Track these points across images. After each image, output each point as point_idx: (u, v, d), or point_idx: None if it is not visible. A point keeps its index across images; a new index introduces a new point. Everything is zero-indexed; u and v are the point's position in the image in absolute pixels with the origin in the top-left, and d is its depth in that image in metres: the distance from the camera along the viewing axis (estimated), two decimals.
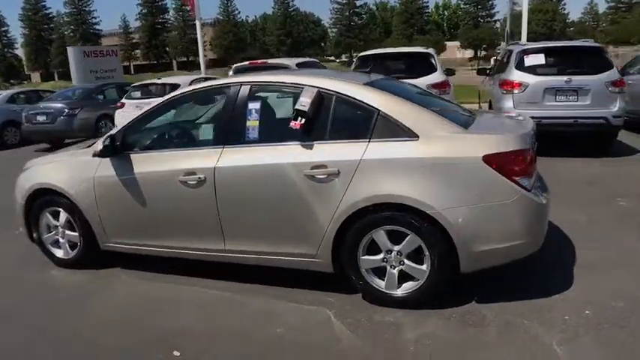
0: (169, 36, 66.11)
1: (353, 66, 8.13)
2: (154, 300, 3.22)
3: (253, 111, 3.08)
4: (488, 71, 9.29)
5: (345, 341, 2.63)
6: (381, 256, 2.87)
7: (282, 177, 2.94)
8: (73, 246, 3.79)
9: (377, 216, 2.80)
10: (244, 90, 3.14)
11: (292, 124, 2.89)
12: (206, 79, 10.96)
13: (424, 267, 2.81)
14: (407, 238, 2.79)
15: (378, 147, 2.78)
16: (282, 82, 3.15)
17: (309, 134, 2.92)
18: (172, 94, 3.46)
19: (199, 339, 2.71)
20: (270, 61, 9.28)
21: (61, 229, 3.78)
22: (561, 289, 3.04)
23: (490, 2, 61.08)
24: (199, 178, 3.09)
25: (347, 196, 2.80)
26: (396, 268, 2.87)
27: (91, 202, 3.50)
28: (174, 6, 66.41)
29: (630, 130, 7.86)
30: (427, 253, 2.77)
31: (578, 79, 6.45)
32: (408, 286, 2.89)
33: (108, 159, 3.43)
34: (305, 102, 2.88)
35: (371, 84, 3.07)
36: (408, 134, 2.76)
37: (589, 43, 7.25)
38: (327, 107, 2.93)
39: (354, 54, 64.81)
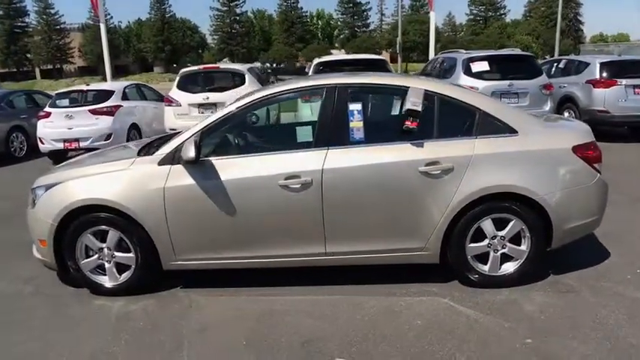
0: (31, 42, 57.81)
1: (312, 71, 8.28)
2: (259, 314, 3.03)
3: (355, 112, 3.11)
4: None
5: (483, 321, 2.83)
6: (486, 242, 3.15)
7: (396, 175, 3.04)
8: (121, 270, 3.34)
9: (486, 206, 3.07)
10: (343, 91, 3.16)
11: (407, 123, 3.02)
12: (137, 85, 10.12)
13: (524, 247, 3.15)
14: (511, 224, 3.10)
15: (485, 143, 3.06)
16: (384, 84, 3.25)
17: (417, 133, 3.06)
18: (260, 94, 3.27)
19: (349, 343, 2.67)
20: (222, 65, 9.02)
21: (107, 252, 3.29)
22: (603, 258, 3.63)
23: (365, 13, 65.93)
24: (305, 181, 3.02)
25: (461, 190, 3.01)
26: (499, 252, 3.17)
27: (159, 216, 3.14)
28: (36, 9, 58.41)
29: None
30: (527, 234, 3.12)
31: (518, 84, 7.56)
32: (507, 267, 3.21)
33: (180, 167, 3.12)
34: (417, 102, 3.02)
35: (457, 85, 3.34)
36: (509, 130, 3.09)
37: (519, 51, 8.49)
38: (432, 107, 3.12)
39: (234, 62, 63.84)
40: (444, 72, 8.80)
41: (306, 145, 3.16)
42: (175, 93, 8.34)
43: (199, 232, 3.18)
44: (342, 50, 59.23)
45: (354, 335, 2.73)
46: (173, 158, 3.14)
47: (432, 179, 3.02)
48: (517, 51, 8.59)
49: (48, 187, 3.34)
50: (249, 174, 3.08)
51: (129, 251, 3.28)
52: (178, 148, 3.13)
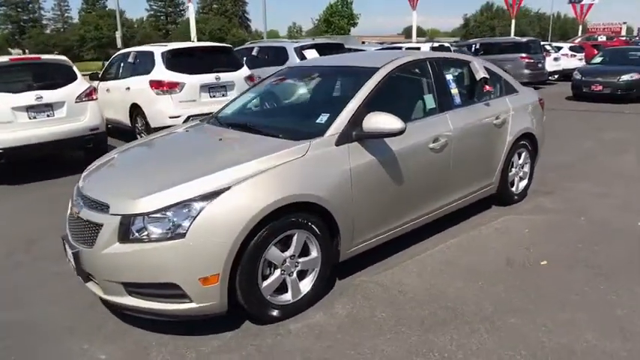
0: None
1: (161, 59, 7.43)
2: (436, 267, 3.35)
3: (451, 81, 3.84)
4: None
5: (550, 217, 4.21)
6: (514, 171, 4.54)
7: (486, 128, 4.04)
8: (300, 278, 2.91)
9: (518, 144, 4.44)
10: (438, 64, 3.82)
11: (488, 88, 4.01)
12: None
13: (527, 169, 4.72)
14: (523, 154, 4.61)
15: (511, 99, 4.42)
16: (456, 58, 4.12)
17: (483, 95, 4.09)
18: (392, 65, 3.49)
19: (525, 251, 3.52)
20: (43, 57, 6.71)
21: (290, 262, 2.80)
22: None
23: (33, 6, 55.03)
24: (444, 142, 3.56)
25: (510, 134, 4.28)
26: (519, 175, 4.62)
27: (347, 201, 2.96)
28: None
29: None
30: (529, 159, 4.68)
31: None
32: (520, 186, 4.68)
33: (355, 144, 3.04)
34: (485, 71, 4.06)
35: None
36: (514, 90, 4.54)
37: (333, 40, 10.08)
38: None
39: None
40: (273, 60, 9.52)
41: (433, 111, 3.65)
42: None
43: (379, 208, 3.19)
44: (27, 51, 47.84)
45: (524, 249, 3.59)
46: (348, 135, 3.01)
47: (498, 129, 4.16)
48: (333, 40, 10.23)
49: (205, 198, 2.50)
50: (411, 141, 3.32)
51: (309, 253, 2.90)
52: (351, 124, 3.02)
